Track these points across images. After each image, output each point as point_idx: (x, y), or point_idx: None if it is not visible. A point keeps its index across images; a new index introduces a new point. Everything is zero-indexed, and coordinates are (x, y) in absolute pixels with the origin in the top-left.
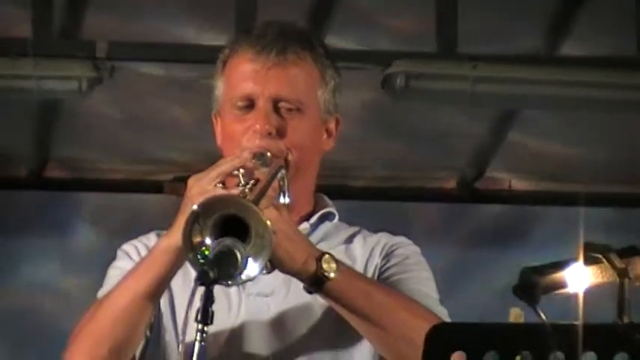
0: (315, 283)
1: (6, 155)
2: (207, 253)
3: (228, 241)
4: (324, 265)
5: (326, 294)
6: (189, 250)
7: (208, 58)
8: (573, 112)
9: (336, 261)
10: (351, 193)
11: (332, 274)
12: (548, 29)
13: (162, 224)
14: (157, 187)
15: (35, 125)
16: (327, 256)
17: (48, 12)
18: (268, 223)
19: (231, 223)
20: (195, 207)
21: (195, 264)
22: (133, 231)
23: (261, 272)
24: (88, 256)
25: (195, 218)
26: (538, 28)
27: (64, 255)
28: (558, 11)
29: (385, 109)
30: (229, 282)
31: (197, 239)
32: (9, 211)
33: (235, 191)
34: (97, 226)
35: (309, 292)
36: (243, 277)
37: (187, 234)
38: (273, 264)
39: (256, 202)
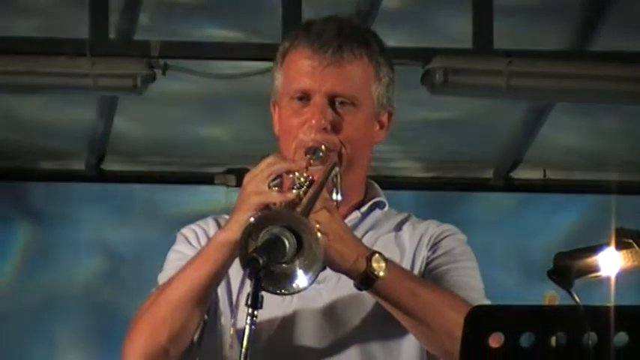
0: (365, 281)
1: (66, 149)
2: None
3: (275, 229)
4: (374, 265)
5: (375, 292)
6: (245, 263)
7: (256, 55)
8: (604, 105)
9: (385, 260)
10: (392, 183)
11: (381, 273)
12: (580, 26)
13: (213, 214)
14: (208, 179)
15: (93, 121)
16: (376, 255)
17: (104, 14)
18: (319, 235)
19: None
20: (250, 220)
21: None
22: (187, 221)
23: (311, 284)
24: (143, 245)
25: (249, 233)
26: (570, 25)
27: (121, 245)
28: (589, 9)
29: (423, 103)
30: (282, 291)
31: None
32: (69, 202)
33: (290, 194)
34: (151, 216)
35: (359, 289)
36: (294, 286)
37: (244, 248)
38: (325, 263)
39: (309, 208)
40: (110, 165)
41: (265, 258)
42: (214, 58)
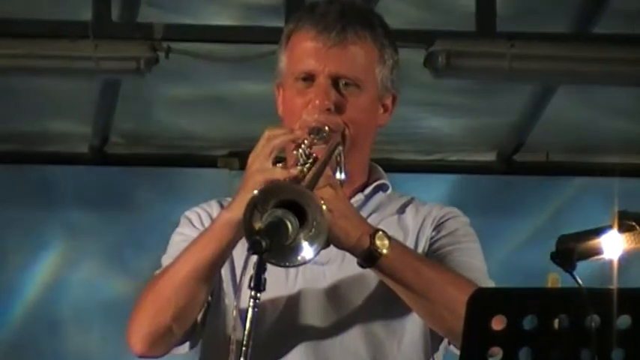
0: (368, 258)
1: (69, 133)
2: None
3: (279, 212)
4: (377, 242)
5: (378, 269)
6: (250, 235)
7: (259, 38)
8: (606, 88)
9: (389, 237)
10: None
11: (384, 251)
12: (582, 9)
13: (216, 197)
14: (211, 162)
15: (96, 104)
16: (380, 232)
17: None
18: (324, 207)
19: (291, 207)
20: (255, 192)
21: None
22: (191, 204)
23: (316, 256)
24: (149, 228)
25: (254, 205)
26: (572, 8)
27: (125, 228)
28: None
29: (426, 85)
30: (286, 263)
31: (258, 224)
32: (72, 185)
33: (294, 171)
34: (155, 199)
35: (362, 267)
36: (299, 258)
37: (248, 220)
38: (329, 240)
39: (313, 184)
40: (113, 148)
41: (268, 241)
42: (217, 41)
